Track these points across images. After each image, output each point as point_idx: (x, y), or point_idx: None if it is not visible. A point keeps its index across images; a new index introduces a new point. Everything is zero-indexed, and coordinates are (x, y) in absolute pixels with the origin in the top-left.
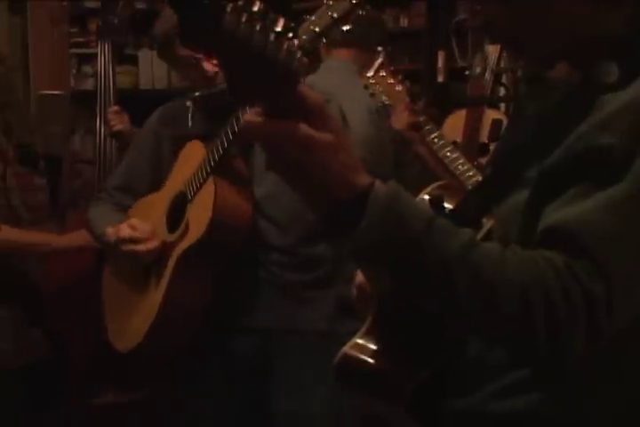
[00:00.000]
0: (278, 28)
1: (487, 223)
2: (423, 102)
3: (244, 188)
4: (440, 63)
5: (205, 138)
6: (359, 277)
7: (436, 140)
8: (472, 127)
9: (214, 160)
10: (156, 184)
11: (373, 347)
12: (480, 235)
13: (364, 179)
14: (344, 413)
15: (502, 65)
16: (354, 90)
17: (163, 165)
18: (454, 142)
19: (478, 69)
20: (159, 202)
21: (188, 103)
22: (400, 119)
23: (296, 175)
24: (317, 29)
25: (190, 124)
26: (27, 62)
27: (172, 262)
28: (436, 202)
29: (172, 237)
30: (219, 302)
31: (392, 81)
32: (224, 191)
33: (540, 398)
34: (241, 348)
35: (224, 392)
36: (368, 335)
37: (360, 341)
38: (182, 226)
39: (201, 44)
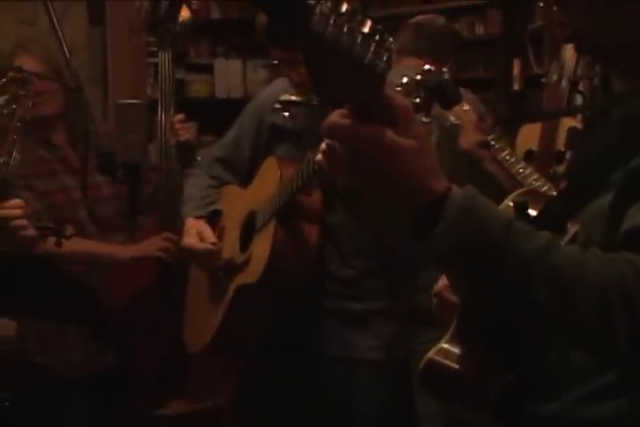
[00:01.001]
0: (365, 30)
1: (572, 228)
2: (491, 120)
3: (311, 228)
4: (516, 71)
5: (298, 136)
6: (438, 285)
7: (507, 157)
8: (548, 135)
9: (284, 199)
10: (254, 165)
11: (458, 351)
12: (565, 240)
13: (441, 184)
14: None
15: (579, 72)
16: None
17: (261, 148)
18: (530, 151)
19: (554, 77)
20: (239, 207)
21: (277, 105)
22: (469, 138)
23: (376, 178)
24: None
25: (282, 122)
26: (105, 72)
27: (232, 288)
28: (520, 208)
29: (239, 259)
30: (279, 324)
31: None
32: (285, 240)
33: (628, 403)
34: (299, 370)
35: (281, 409)
36: (452, 340)
37: (445, 346)
38: (246, 256)
39: (290, 45)
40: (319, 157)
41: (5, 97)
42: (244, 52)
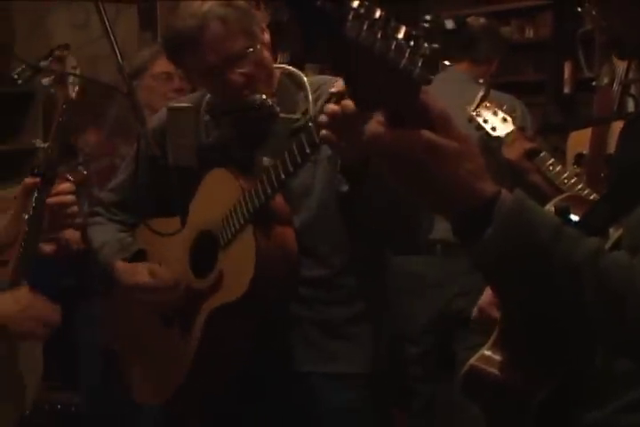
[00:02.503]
0: (400, 36)
1: (614, 233)
2: (533, 130)
3: (287, 232)
4: (566, 74)
5: (220, 149)
6: (482, 300)
7: (551, 167)
8: (599, 138)
9: (254, 206)
10: (162, 200)
11: (500, 359)
12: (608, 245)
13: (490, 187)
14: None
15: (631, 75)
16: (465, 100)
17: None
18: (580, 154)
19: (606, 80)
20: (177, 237)
21: (202, 112)
22: (512, 150)
23: (422, 183)
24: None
25: (203, 133)
26: None
27: (203, 316)
28: (561, 213)
29: (199, 284)
30: (257, 343)
31: (497, 110)
32: (267, 244)
33: None
34: (281, 391)
35: None
36: (494, 347)
37: (487, 352)
38: (214, 275)
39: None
40: (323, 132)
41: (51, 77)
42: (300, 57)
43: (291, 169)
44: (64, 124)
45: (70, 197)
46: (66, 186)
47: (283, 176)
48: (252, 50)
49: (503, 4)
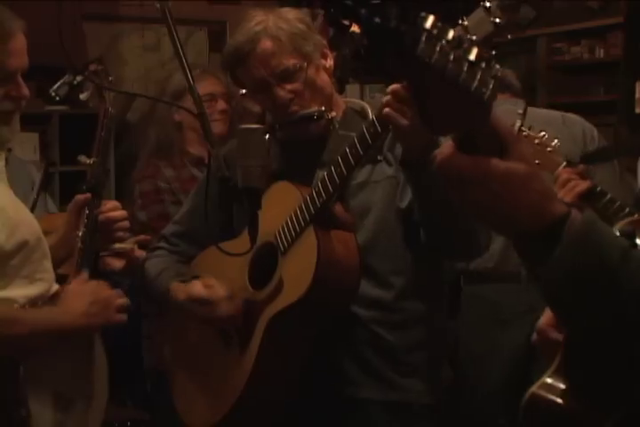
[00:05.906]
0: (472, 57)
1: None
2: (582, 164)
3: (349, 237)
4: (637, 94)
5: (282, 172)
6: (541, 323)
7: (608, 205)
8: None
9: (315, 207)
10: (227, 229)
11: (562, 386)
12: None
13: (560, 206)
14: None
15: None
16: None
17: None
18: None
19: None
20: (238, 257)
21: (267, 135)
22: (569, 190)
23: (493, 206)
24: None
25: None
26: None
27: (261, 326)
28: (627, 237)
29: (259, 296)
30: (315, 367)
31: (539, 141)
32: (328, 244)
33: None
34: (337, 417)
35: None
36: (556, 375)
37: (549, 380)
38: (273, 283)
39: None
40: (386, 110)
41: (88, 92)
42: (361, 77)
43: (352, 162)
44: (106, 139)
45: (120, 213)
46: (113, 203)
47: (345, 171)
48: (299, 66)
49: (573, 24)
